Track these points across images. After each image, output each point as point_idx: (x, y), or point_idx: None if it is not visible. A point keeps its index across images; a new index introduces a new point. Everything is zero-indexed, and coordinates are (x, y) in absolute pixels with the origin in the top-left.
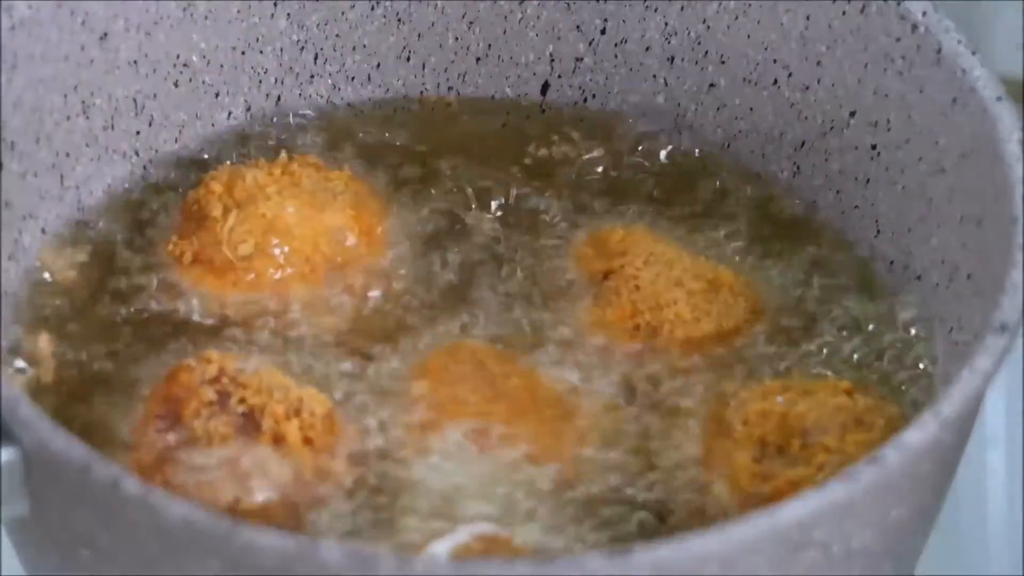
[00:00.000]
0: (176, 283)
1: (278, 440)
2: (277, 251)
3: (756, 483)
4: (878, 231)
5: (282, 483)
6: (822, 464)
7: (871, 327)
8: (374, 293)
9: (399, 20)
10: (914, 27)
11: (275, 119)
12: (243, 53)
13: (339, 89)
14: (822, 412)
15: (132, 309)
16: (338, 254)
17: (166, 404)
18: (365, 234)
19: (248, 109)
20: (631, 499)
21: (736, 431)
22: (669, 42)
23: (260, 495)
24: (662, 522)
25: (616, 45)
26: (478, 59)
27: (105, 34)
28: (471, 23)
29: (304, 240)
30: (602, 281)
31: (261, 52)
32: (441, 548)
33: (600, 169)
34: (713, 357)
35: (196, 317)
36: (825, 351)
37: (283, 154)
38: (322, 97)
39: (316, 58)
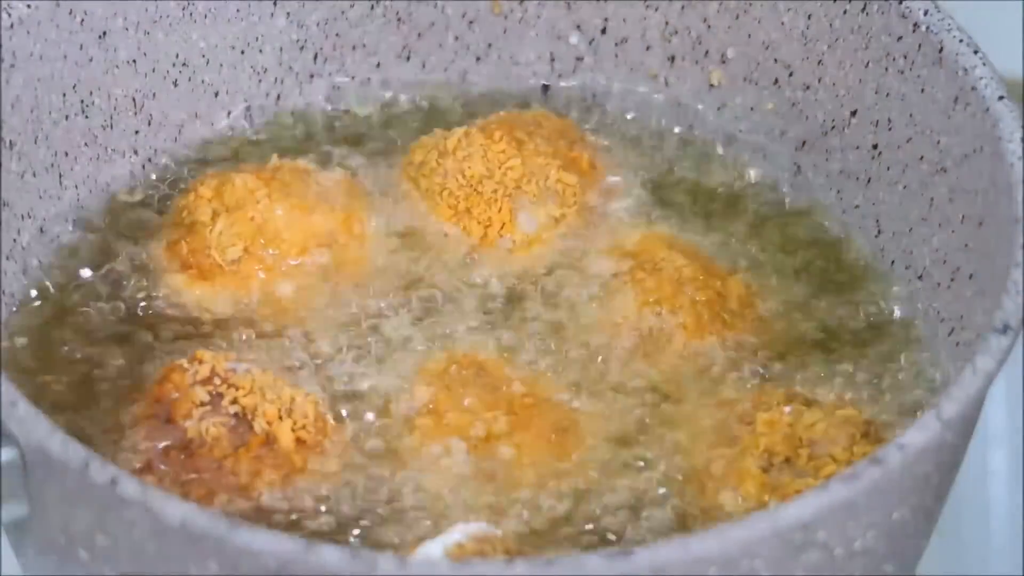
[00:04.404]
0: (167, 286)
1: (270, 440)
2: (266, 254)
3: (764, 493)
4: (879, 231)
5: (275, 484)
6: (830, 475)
7: (873, 328)
8: (366, 295)
9: (399, 20)
10: (915, 26)
11: (275, 119)
12: (243, 52)
13: (339, 89)
14: (829, 423)
15: (124, 310)
16: (328, 256)
17: (158, 405)
18: (356, 237)
19: (248, 108)
20: (634, 505)
21: (743, 441)
22: (670, 42)
23: (254, 496)
24: (666, 527)
25: (616, 45)
26: (478, 59)
27: (104, 33)
28: (471, 23)
29: (293, 243)
30: (607, 283)
31: (261, 51)
32: (435, 547)
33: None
34: (718, 365)
35: (187, 319)
36: (829, 355)
37: (274, 158)
38: (322, 97)
39: (316, 58)
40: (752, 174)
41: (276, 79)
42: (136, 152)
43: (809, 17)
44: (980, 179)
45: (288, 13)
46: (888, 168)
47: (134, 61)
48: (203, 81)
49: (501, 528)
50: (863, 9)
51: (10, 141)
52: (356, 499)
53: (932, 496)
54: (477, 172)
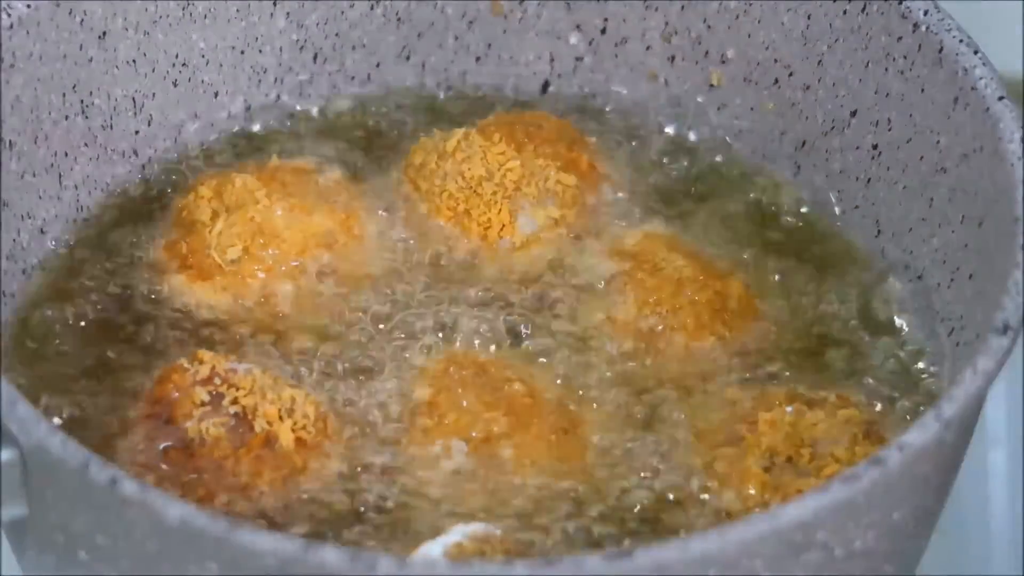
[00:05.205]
0: (167, 286)
1: (271, 441)
2: (266, 254)
3: (766, 492)
4: (879, 231)
5: (276, 484)
6: (832, 475)
7: (873, 328)
8: (365, 296)
9: (399, 20)
10: (915, 26)
11: (274, 119)
12: (242, 52)
13: (339, 89)
14: (831, 423)
15: (124, 310)
16: (328, 257)
17: (159, 405)
18: (356, 237)
19: (247, 109)
20: (635, 505)
21: (745, 440)
22: (670, 42)
23: (254, 496)
24: (667, 529)
25: (616, 45)
26: (478, 59)
27: (104, 33)
28: (471, 23)
29: (293, 243)
30: (607, 284)
31: (260, 51)
32: (435, 548)
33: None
34: (718, 365)
35: (187, 319)
36: (829, 355)
37: (274, 158)
38: (322, 97)
39: (316, 58)
40: (752, 174)
41: (276, 79)
42: (136, 152)
43: (809, 17)
44: (980, 179)
45: (288, 13)
46: (888, 168)
47: (134, 61)
48: (203, 81)
49: (501, 528)
50: (863, 9)
51: (10, 141)
52: (356, 499)
53: (932, 496)
54: (477, 174)
